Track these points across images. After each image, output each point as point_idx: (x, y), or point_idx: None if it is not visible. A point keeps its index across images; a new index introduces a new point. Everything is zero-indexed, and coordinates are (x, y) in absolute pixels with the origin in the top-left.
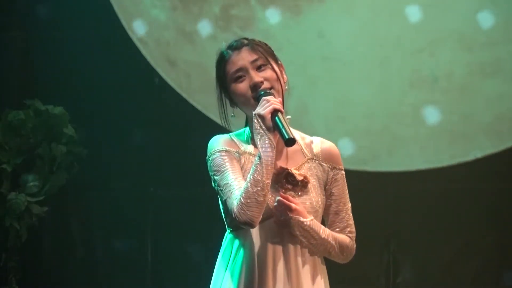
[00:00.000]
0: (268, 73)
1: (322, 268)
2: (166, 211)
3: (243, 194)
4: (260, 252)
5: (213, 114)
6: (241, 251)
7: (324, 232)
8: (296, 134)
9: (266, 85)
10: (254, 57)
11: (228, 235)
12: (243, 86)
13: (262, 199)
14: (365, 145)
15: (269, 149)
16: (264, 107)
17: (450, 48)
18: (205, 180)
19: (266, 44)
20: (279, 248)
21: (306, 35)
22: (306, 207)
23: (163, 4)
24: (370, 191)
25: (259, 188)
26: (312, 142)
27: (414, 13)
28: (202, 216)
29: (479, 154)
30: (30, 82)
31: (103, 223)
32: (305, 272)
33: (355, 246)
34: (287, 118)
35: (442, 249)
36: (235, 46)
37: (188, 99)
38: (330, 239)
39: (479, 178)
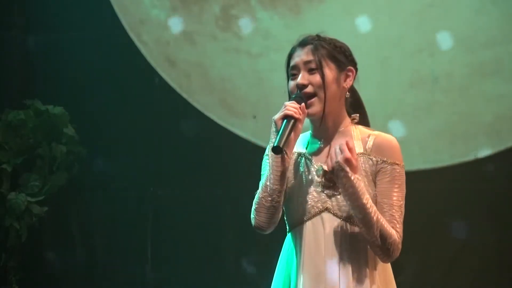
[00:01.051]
0: (315, 78)
1: (381, 276)
2: (166, 211)
3: (255, 200)
4: (301, 252)
5: (213, 114)
6: (287, 253)
7: (369, 201)
8: (357, 130)
9: (309, 89)
10: (309, 58)
11: (287, 237)
12: (292, 84)
13: (269, 204)
14: None
15: (278, 156)
16: (279, 112)
17: (450, 48)
18: (205, 180)
19: (339, 47)
20: (320, 248)
21: (306, 35)
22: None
23: (163, 4)
24: None
25: (266, 194)
26: (368, 136)
27: (414, 13)
28: (202, 216)
29: (479, 154)
30: (30, 82)
31: (103, 223)
32: (343, 271)
33: (400, 245)
34: (354, 116)
35: (442, 249)
36: (302, 42)
37: (188, 99)
38: (372, 213)
39: (479, 178)
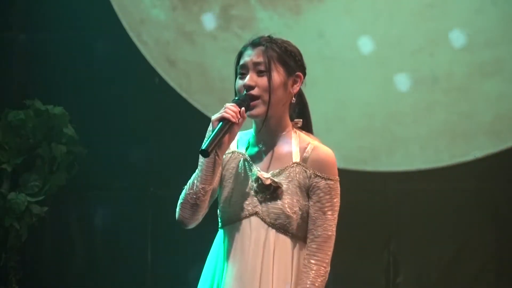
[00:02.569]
0: (263, 80)
1: (293, 281)
2: (166, 211)
3: (181, 195)
4: (226, 252)
5: (213, 114)
6: (215, 250)
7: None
8: (297, 137)
9: (255, 91)
10: (259, 60)
11: (217, 233)
12: (240, 83)
13: (193, 202)
14: (365, 145)
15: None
16: (218, 113)
17: (450, 48)
18: None
19: (290, 52)
20: (244, 250)
21: (306, 35)
22: (277, 212)
23: (163, 4)
24: (370, 191)
25: (192, 191)
26: (308, 145)
27: (414, 13)
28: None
29: (479, 154)
30: (30, 82)
31: (103, 223)
32: (265, 276)
33: (328, 268)
34: (297, 121)
35: (442, 249)
36: (254, 42)
37: (188, 99)
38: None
39: (479, 178)
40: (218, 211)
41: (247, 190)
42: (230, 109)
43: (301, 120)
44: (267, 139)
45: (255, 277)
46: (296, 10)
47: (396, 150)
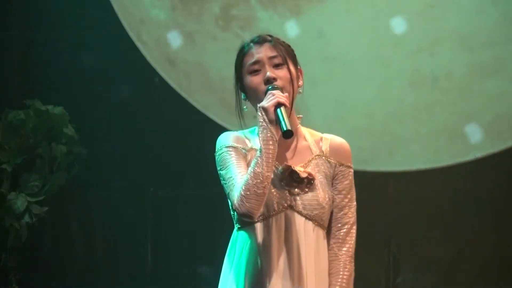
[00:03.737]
0: (283, 72)
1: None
2: (166, 211)
3: (243, 186)
4: (264, 249)
5: (213, 114)
6: (246, 249)
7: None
8: (306, 131)
9: (278, 83)
10: (274, 53)
11: (235, 233)
12: (257, 79)
13: (261, 191)
14: (365, 145)
15: (270, 142)
16: (268, 100)
17: (450, 48)
18: (205, 180)
19: (289, 46)
20: (284, 245)
21: (306, 35)
22: (313, 204)
23: (163, 4)
24: (370, 191)
25: (258, 180)
26: (321, 139)
27: (414, 13)
28: (202, 216)
29: (479, 154)
30: (30, 82)
31: (103, 223)
32: (309, 268)
33: (353, 262)
34: (299, 117)
35: (442, 249)
36: (257, 40)
37: (188, 99)
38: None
39: (479, 178)
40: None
41: (276, 184)
42: (280, 94)
43: (301, 115)
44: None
45: (301, 271)
46: (296, 10)
47: (396, 150)
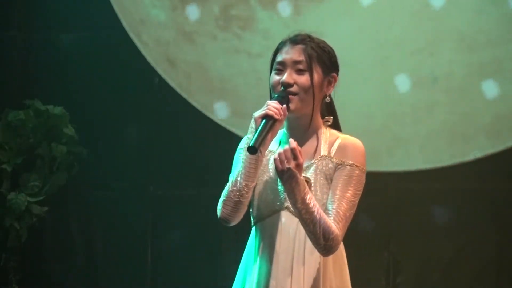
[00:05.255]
0: (302, 79)
1: (338, 263)
2: (166, 211)
3: (224, 192)
4: (258, 249)
5: (213, 114)
6: (251, 247)
7: (311, 201)
8: (327, 133)
9: (293, 89)
10: (299, 58)
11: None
12: (276, 79)
13: (237, 199)
14: (365, 145)
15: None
16: (261, 110)
17: (450, 48)
18: (205, 180)
19: (327, 52)
20: (276, 245)
21: None
22: None
23: (163, 4)
24: (370, 191)
25: (235, 188)
26: (336, 139)
27: (414, 13)
28: (202, 216)
29: (479, 154)
30: (30, 82)
31: (103, 223)
32: (297, 269)
33: (341, 238)
34: (327, 119)
35: (442, 249)
36: (293, 39)
37: (188, 99)
38: (316, 212)
39: (479, 178)
40: (250, 209)
41: (277, 185)
42: (273, 106)
43: (332, 117)
44: (299, 137)
45: (287, 273)
46: (296, 10)
47: (396, 150)
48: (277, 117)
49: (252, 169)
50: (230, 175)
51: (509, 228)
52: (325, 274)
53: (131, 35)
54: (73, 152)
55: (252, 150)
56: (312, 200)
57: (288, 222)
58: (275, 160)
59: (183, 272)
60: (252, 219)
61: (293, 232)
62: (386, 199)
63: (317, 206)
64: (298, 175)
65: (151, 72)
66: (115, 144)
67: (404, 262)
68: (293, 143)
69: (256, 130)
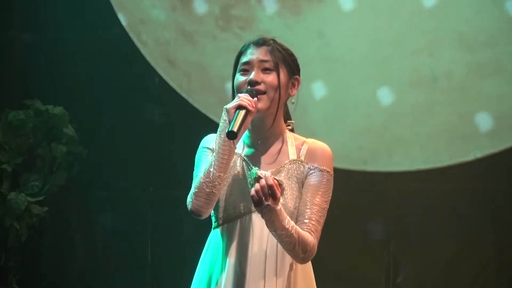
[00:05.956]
0: (269, 77)
1: (301, 274)
2: (166, 211)
3: (194, 184)
4: (227, 251)
5: (213, 114)
6: (212, 249)
7: (289, 223)
8: (291, 137)
9: (261, 87)
10: (266, 58)
11: (210, 233)
12: (242, 79)
13: (209, 190)
14: (365, 145)
15: (226, 144)
16: (232, 102)
17: (450, 48)
18: None
19: (290, 55)
20: (247, 247)
21: (306, 35)
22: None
23: (163, 4)
24: (370, 191)
25: (208, 179)
26: (303, 143)
27: (414, 13)
28: None
29: (479, 154)
30: (30, 82)
31: (103, 223)
32: (270, 272)
33: (316, 246)
34: (290, 123)
35: (442, 249)
36: (257, 42)
37: (188, 99)
38: (294, 233)
39: (479, 178)
40: (213, 210)
41: (246, 187)
42: (246, 98)
43: (293, 122)
44: (263, 139)
45: (260, 274)
46: (296, 10)
47: (396, 150)
48: (250, 108)
49: (225, 159)
50: (194, 172)
51: (509, 228)
52: (296, 277)
53: (131, 35)
54: (73, 152)
55: (231, 134)
56: (290, 222)
57: (260, 225)
58: (252, 196)
59: (183, 272)
60: (215, 220)
61: (266, 235)
62: (386, 199)
63: (293, 224)
64: (277, 207)
65: (151, 72)
66: (115, 144)
67: (404, 262)
68: (269, 179)
69: (232, 119)
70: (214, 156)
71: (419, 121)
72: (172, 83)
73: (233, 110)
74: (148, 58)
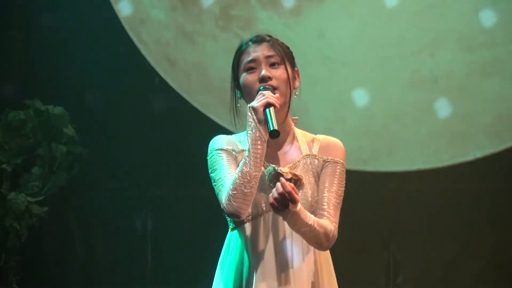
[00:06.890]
0: (279, 72)
1: (325, 266)
2: (166, 211)
3: (231, 186)
4: (252, 249)
5: (213, 114)
6: (236, 249)
7: (310, 218)
8: (299, 133)
9: (273, 82)
10: (271, 53)
11: (228, 234)
12: (252, 78)
13: (248, 190)
14: (365, 145)
15: (259, 142)
16: (258, 100)
17: (450, 48)
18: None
19: (288, 47)
20: (271, 244)
21: (306, 35)
22: (302, 203)
23: (163, 4)
24: (370, 191)
25: (246, 179)
26: (313, 139)
27: (414, 13)
28: (201, 216)
29: (479, 154)
30: (30, 82)
31: (103, 223)
32: (300, 269)
33: (336, 232)
34: (294, 119)
35: (442, 249)
36: (255, 40)
37: (188, 99)
38: (315, 225)
39: (479, 178)
40: None
41: (265, 186)
42: (271, 95)
43: (297, 118)
44: None
45: (289, 271)
46: (296, 10)
47: (396, 150)
48: (277, 104)
49: (259, 158)
50: (215, 175)
51: (509, 228)
52: (321, 269)
53: (131, 35)
54: (73, 152)
55: (275, 133)
56: (310, 218)
57: (281, 222)
58: (271, 204)
59: (183, 272)
60: (232, 222)
61: (289, 230)
62: (386, 199)
63: (314, 218)
64: (297, 208)
65: (151, 72)
66: (115, 144)
67: (404, 262)
68: (287, 186)
69: (267, 117)
70: (248, 156)
71: (419, 121)
72: (172, 83)
73: (262, 109)
74: (148, 58)
